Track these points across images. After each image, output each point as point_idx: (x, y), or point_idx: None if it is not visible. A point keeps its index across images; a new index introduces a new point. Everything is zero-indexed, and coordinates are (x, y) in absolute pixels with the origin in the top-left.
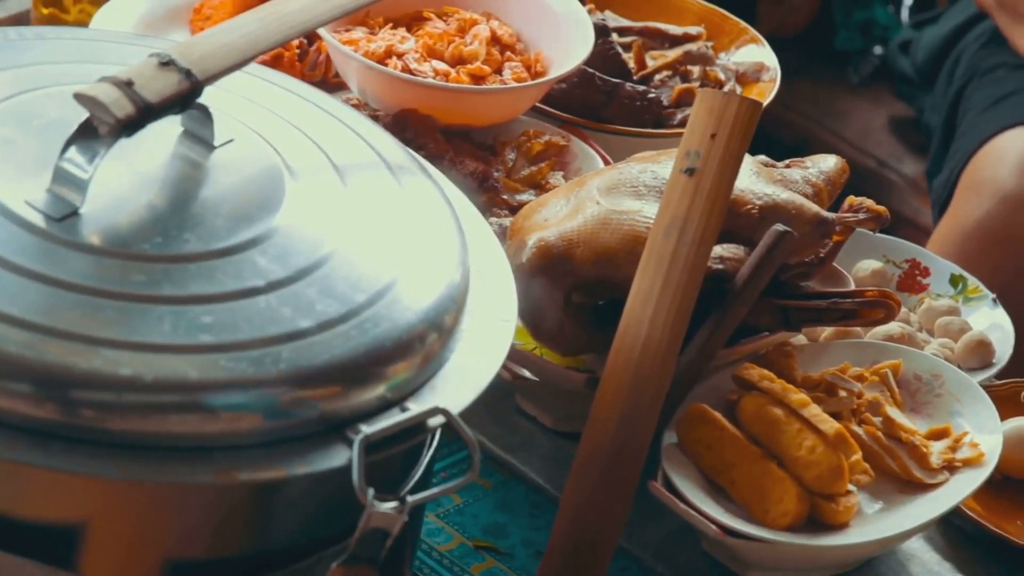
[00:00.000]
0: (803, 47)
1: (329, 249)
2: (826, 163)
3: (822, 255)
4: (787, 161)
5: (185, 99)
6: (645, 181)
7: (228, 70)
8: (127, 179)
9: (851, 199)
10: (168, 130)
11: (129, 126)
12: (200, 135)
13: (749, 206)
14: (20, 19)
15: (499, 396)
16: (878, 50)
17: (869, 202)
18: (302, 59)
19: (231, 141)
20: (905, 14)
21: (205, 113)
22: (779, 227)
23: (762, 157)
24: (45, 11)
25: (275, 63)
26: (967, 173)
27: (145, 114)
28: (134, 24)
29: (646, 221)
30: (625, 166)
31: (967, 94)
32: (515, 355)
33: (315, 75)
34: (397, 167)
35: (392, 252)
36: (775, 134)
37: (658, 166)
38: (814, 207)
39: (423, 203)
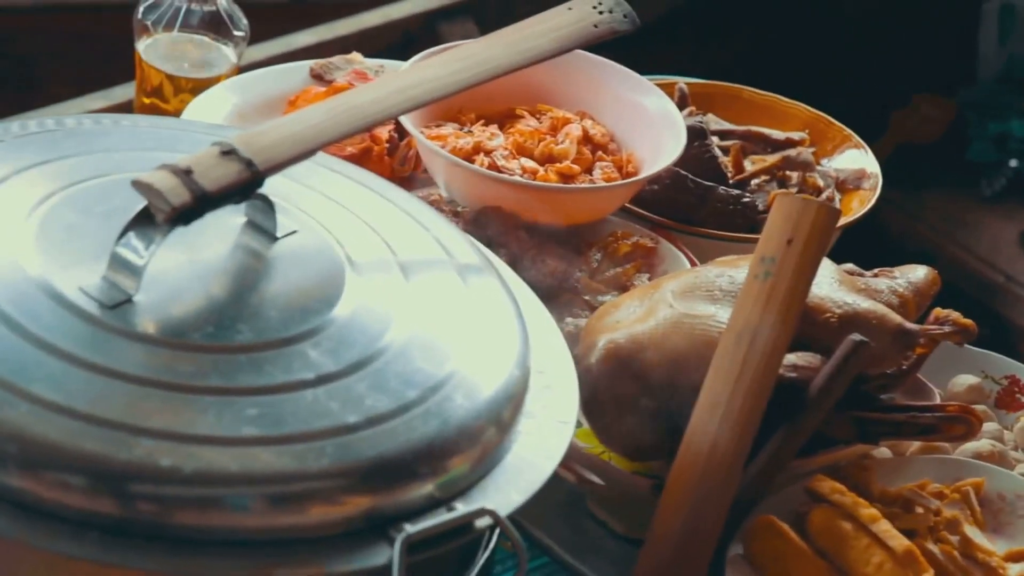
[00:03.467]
0: (936, 157)
1: (383, 344)
2: (915, 274)
3: (905, 367)
4: (876, 270)
5: (245, 189)
6: (721, 285)
7: (291, 161)
8: (185, 268)
9: (937, 311)
10: (232, 220)
11: (185, 214)
12: (263, 225)
13: (828, 315)
14: (124, 108)
15: (572, 499)
16: (1013, 163)
17: (956, 315)
18: (391, 154)
19: (294, 232)
20: None
21: (267, 204)
22: (856, 337)
23: (849, 265)
24: (147, 101)
25: (364, 157)
26: None
27: (202, 203)
28: (227, 115)
29: (719, 326)
30: (702, 269)
31: None
32: (582, 458)
33: (405, 170)
34: (464, 266)
35: (448, 350)
36: (901, 243)
37: (736, 271)
38: (896, 318)
39: (487, 303)
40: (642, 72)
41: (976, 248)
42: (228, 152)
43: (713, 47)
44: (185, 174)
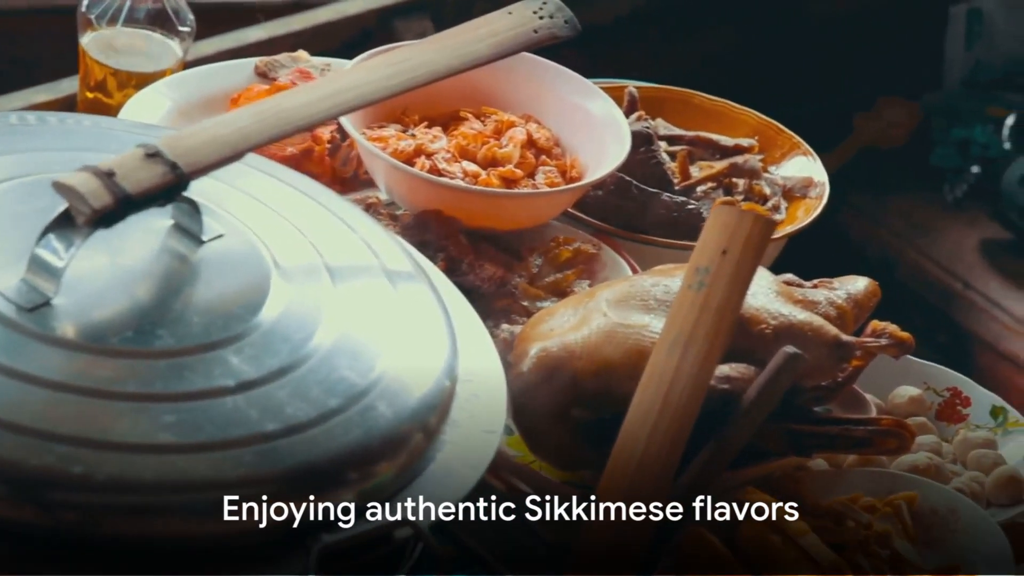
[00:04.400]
0: (899, 162)
1: (307, 351)
2: (855, 285)
3: (840, 379)
4: (815, 281)
5: (169, 192)
6: (656, 295)
7: (217, 164)
8: (107, 271)
9: (875, 324)
10: (159, 222)
11: (107, 217)
12: (189, 228)
13: (763, 326)
14: (70, 101)
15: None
16: (975, 169)
17: (893, 328)
18: (333, 154)
19: (221, 236)
20: (1005, 133)
21: (193, 207)
22: (789, 349)
23: (788, 276)
24: (90, 95)
25: (305, 157)
26: None
27: (124, 206)
28: (167, 111)
29: (652, 336)
30: (638, 278)
31: None
32: (511, 467)
33: (346, 171)
34: (394, 272)
35: (374, 357)
36: (862, 248)
37: (671, 280)
38: (832, 330)
39: (416, 310)
40: (602, 73)
41: (936, 255)
42: (153, 154)
43: (679, 48)
44: (107, 176)
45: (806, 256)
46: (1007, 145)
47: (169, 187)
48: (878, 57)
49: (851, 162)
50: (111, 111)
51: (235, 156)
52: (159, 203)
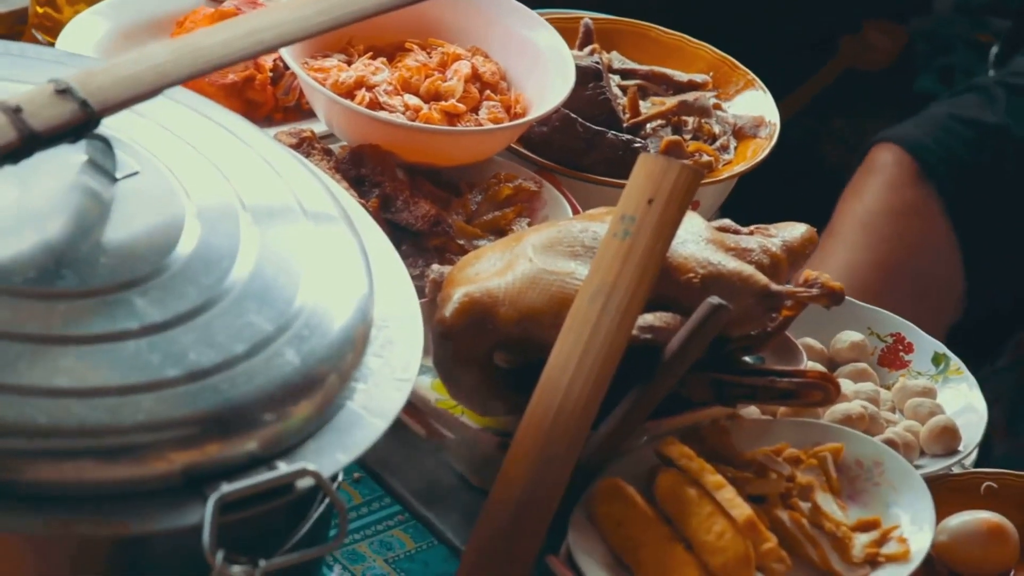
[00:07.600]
0: (883, 86)
1: (217, 294)
2: (791, 232)
3: (770, 328)
4: (752, 227)
5: (79, 130)
6: (583, 241)
7: (129, 102)
8: (14, 209)
9: (807, 273)
10: (74, 158)
11: (12, 154)
12: (102, 165)
13: (691, 274)
14: (20, 15)
15: (432, 449)
16: None
17: (825, 277)
18: (275, 83)
19: (136, 174)
20: (991, 61)
21: (106, 144)
22: (714, 300)
23: (724, 221)
24: (40, 10)
25: (247, 85)
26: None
27: (30, 143)
28: (109, 34)
29: (576, 283)
30: (566, 224)
31: None
32: (432, 411)
33: (289, 100)
34: (313, 213)
35: (285, 303)
36: (839, 174)
37: (600, 226)
38: (762, 279)
39: (333, 253)
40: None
41: None
42: (63, 90)
43: None
44: (14, 112)
45: (783, 180)
46: (991, 73)
47: (78, 125)
48: None
49: (834, 86)
50: (61, 26)
51: (149, 94)
52: (68, 140)
